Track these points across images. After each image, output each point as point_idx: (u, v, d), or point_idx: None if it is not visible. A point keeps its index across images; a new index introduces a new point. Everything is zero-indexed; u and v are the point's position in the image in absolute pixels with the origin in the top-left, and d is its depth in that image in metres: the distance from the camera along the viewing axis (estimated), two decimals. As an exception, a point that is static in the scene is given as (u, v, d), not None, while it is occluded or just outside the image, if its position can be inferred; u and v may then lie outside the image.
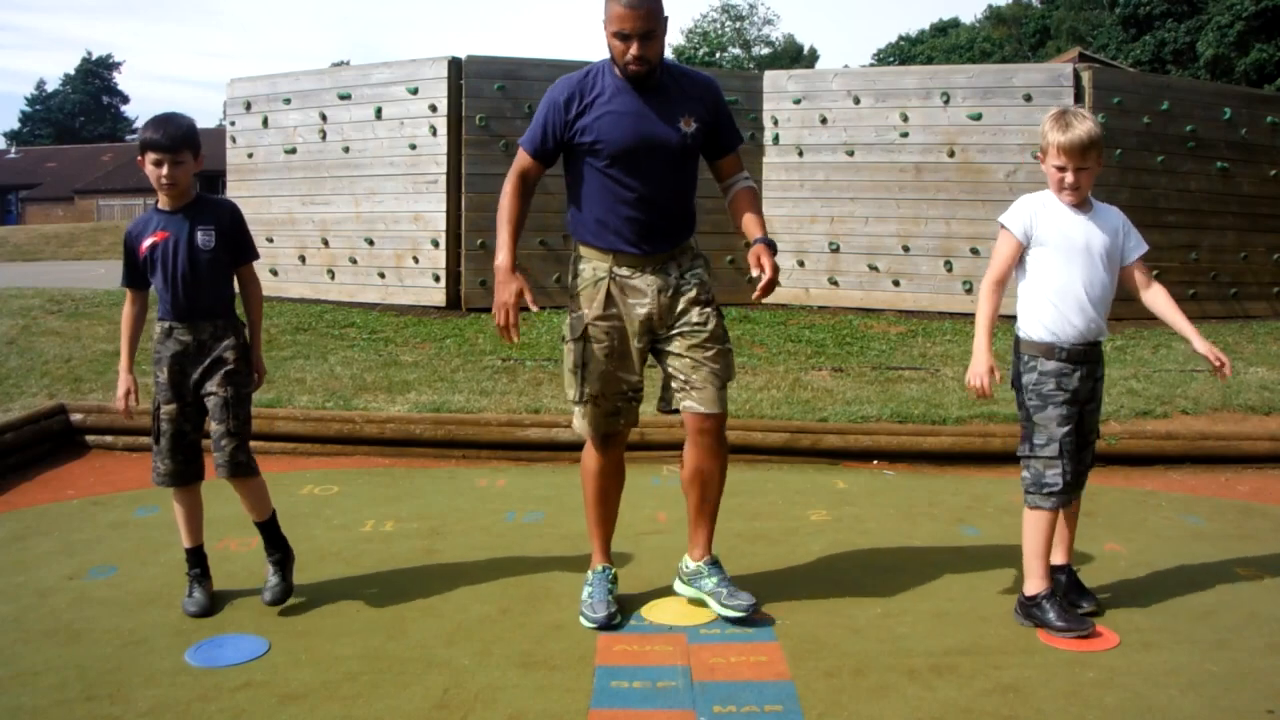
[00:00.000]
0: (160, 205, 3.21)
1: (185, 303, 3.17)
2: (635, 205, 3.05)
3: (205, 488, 3.37)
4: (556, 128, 3.08)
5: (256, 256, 3.39)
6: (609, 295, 3.10)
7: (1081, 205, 3.14)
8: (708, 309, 3.12)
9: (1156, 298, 3.22)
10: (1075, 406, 3.13)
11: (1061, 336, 3.11)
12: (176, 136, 3.11)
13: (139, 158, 3.17)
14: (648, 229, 3.07)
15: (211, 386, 3.19)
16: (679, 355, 3.10)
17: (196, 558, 3.31)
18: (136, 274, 3.25)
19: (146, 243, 3.18)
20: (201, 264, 3.17)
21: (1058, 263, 3.11)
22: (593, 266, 3.13)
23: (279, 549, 3.29)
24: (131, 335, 3.29)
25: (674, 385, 3.14)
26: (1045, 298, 3.13)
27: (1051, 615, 3.03)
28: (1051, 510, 3.11)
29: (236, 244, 3.28)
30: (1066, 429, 3.10)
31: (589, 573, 3.28)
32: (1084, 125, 3.03)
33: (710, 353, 3.09)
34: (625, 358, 3.13)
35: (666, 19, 3.01)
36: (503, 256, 3.04)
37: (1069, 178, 3.06)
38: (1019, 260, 3.17)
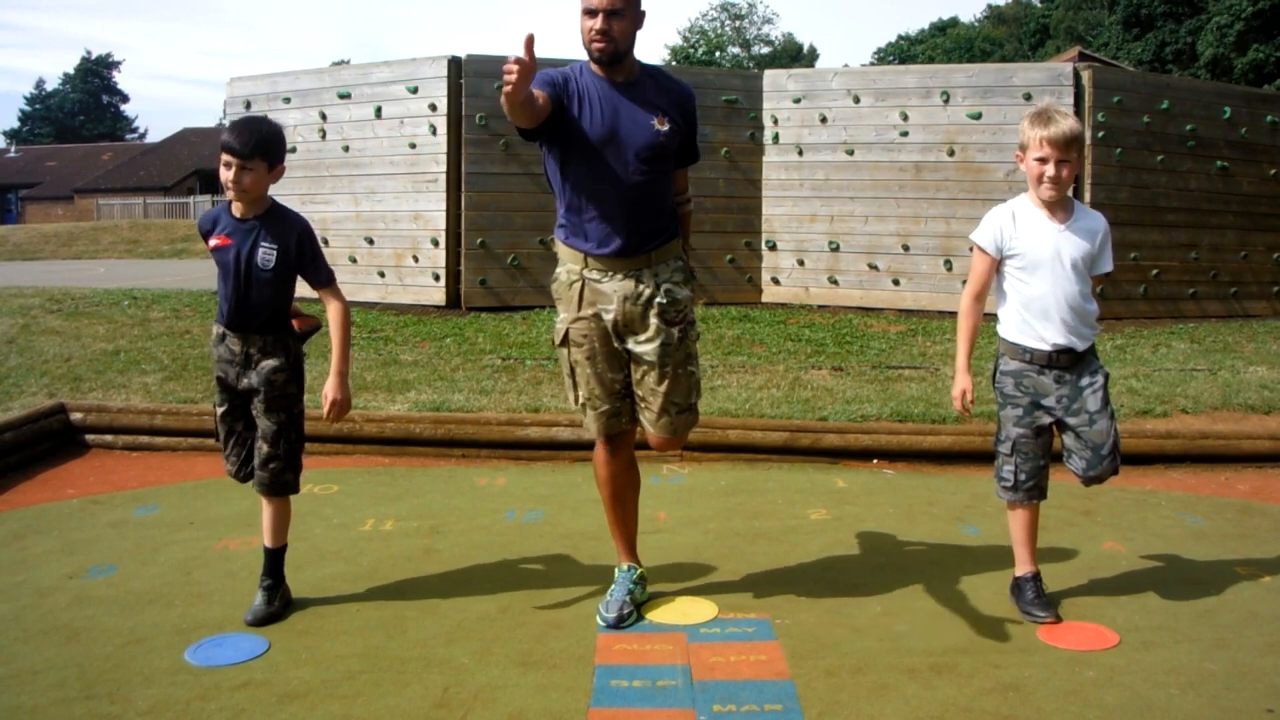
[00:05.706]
0: (232, 208, 3.14)
1: (238, 315, 3.10)
2: (603, 202, 3.00)
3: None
4: (557, 84, 2.97)
5: (328, 279, 3.19)
6: (582, 297, 3.08)
7: (1060, 207, 3.10)
8: (673, 328, 3.05)
9: None
10: (1040, 410, 3.15)
11: (1027, 342, 3.13)
12: (250, 143, 3.03)
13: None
14: (615, 229, 3.00)
15: (260, 409, 3.15)
16: (638, 380, 3.10)
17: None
18: None
19: (212, 242, 3.13)
20: (258, 282, 3.08)
21: (1027, 274, 3.12)
22: (567, 270, 3.12)
23: (274, 578, 3.21)
24: None
25: (636, 399, 3.14)
26: (1014, 306, 3.16)
27: (1028, 596, 3.16)
28: (1015, 503, 3.24)
29: (302, 266, 3.16)
30: (1021, 430, 3.18)
31: (615, 570, 3.28)
32: (1067, 120, 3.02)
33: (664, 380, 3.06)
34: (610, 356, 3.10)
35: (643, 13, 2.99)
36: None
37: (1050, 170, 3.02)
38: (997, 271, 3.20)
